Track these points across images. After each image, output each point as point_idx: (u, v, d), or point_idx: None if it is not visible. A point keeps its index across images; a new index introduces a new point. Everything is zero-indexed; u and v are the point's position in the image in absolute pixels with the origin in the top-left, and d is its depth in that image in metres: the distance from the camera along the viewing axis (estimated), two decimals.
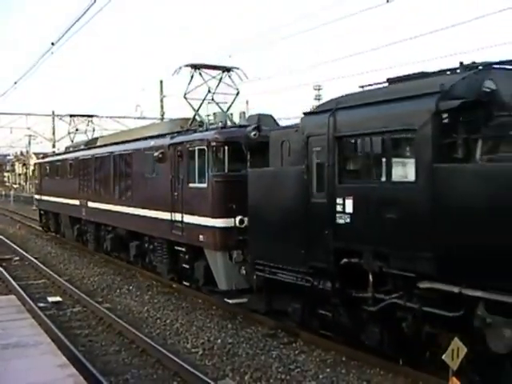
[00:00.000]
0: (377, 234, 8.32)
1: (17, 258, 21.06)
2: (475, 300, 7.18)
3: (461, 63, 8.30)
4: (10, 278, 16.47)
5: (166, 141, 14.79)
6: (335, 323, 9.59)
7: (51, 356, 7.18)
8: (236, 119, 15.26)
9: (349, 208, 8.74)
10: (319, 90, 73.38)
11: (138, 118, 38.08)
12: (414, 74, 8.98)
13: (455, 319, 7.51)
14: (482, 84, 7.92)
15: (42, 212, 29.69)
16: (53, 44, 18.26)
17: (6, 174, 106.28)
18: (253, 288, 11.62)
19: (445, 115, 7.52)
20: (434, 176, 7.43)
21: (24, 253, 21.69)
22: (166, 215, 14.52)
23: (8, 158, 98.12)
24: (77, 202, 22.38)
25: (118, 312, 12.91)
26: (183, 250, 14.11)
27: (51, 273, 17.51)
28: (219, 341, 10.60)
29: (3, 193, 69.38)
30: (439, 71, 8.66)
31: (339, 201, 8.89)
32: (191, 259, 13.82)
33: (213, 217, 12.48)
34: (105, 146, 20.67)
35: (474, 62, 8.32)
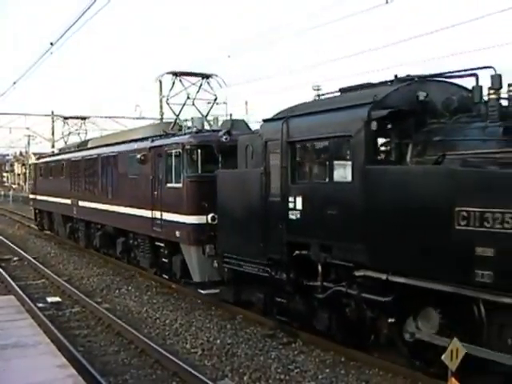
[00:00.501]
0: (322, 228, 9.31)
1: (16, 258, 21.10)
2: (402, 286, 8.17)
3: (395, 76, 9.29)
4: (9, 279, 16.48)
5: (148, 144, 15.79)
6: (290, 310, 10.55)
7: (50, 356, 7.29)
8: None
9: (299, 205, 9.74)
10: (318, 90, 73.30)
11: (137, 118, 37.97)
12: (361, 84, 9.99)
13: (389, 304, 8.50)
14: (416, 94, 8.93)
15: (36, 211, 30.67)
16: (52, 44, 18.53)
17: (5, 174, 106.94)
18: (224, 279, 12.61)
19: (377, 123, 8.50)
20: (366, 177, 8.42)
21: (23, 253, 21.78)
22: (147, 213, 15.51)
23: (7, 158, 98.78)
24: (68, 202, 23.37)
25: (117, 312, 12.97)
26: (162, 245, 15.13)
27: (50, 273, 17.55)
28: (218, 341, 10.66)
29: (2, 193, 69.50)
30: (381, 82, 9.63)
31: (291, 199, 9.88)
32: (169, 254, 14.82)
33: (187, 214, 13.48)
34: (94, 148, 21.68)
35: (408, 75, 9.31)
